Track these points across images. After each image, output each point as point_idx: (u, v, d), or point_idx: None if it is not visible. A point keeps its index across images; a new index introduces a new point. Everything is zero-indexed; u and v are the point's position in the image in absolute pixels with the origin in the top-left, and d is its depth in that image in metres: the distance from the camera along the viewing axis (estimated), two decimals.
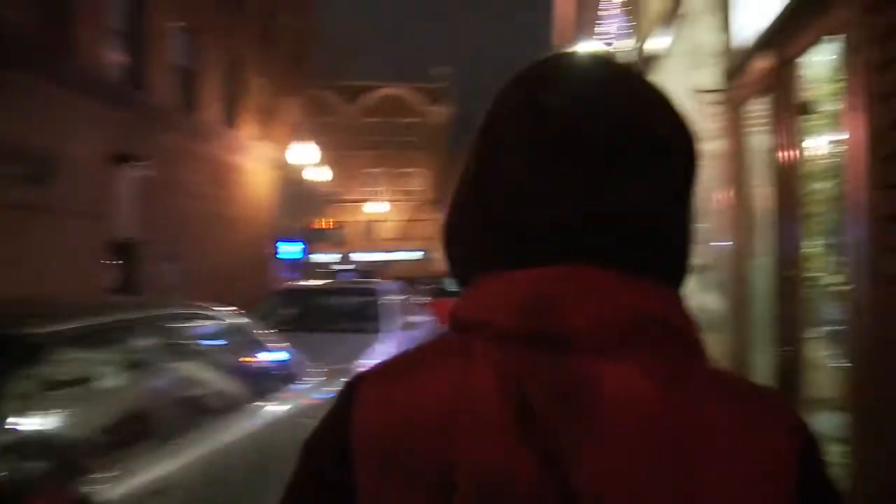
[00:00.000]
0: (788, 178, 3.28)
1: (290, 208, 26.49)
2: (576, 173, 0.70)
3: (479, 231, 0.75)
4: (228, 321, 4.32)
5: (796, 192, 3.20)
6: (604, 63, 0.77)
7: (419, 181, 57.92)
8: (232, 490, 3.50)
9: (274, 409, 4.18)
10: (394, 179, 57.56)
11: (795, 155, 3.26)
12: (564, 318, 0.66)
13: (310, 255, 34.85)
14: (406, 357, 0.77)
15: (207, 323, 4.18)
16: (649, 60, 8.01)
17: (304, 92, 28.92)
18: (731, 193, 4.40)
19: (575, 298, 0.67)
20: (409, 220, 57.18)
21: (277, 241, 27.74)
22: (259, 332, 4.90)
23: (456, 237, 0.80)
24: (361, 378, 0.76)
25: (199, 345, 4.05)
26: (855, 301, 2.69)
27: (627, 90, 0.74)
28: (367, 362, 7.42)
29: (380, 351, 8.10)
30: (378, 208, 53.70)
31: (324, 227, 34.25)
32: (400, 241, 56.18)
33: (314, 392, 4.81)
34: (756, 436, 0.67)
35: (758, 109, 4.14)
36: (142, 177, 14.17)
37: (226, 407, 3.79)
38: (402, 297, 10.22)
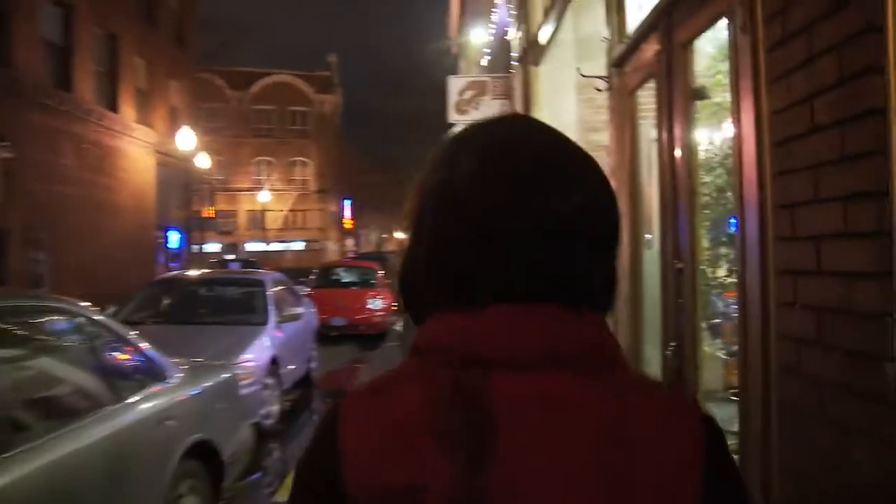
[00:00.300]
0: (679, 168, 3.20)
1: (172, 196, 25.43)
2: (512, 245, 0.82)
3: (430, 284, 0.88)
4: (85, 316, 3.92)
5: (688, 181, 3.11)
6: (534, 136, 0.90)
7: (308, 171, 56.99)
8: (82, 501, 3.16)
9: (135, 409, 3.83)
10: (283, 169, 56.47)
11: (687, 143, 3.17)
12: (488, 346, 0.80)
13: (194, 245, 33.69)
14: (381, 378, 0.87)
15: (59, 318, 3.77)
16: (539, 49, 7.95)
17: (189, 76, 27.78)
18: (623, 185, 4.32)
19: (497, 332, 0.81)
20: (298, 210, 56.22)
21: (165, 230, 26.68)
22: (123, 327, 4.50)
23: (410, 287, 0.92)
24: (345, 399, 0.86)
25: (48, 341, 3.64)
26: (744, 293, 2.61)
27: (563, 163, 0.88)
28: (248, 356, 7.05)
29: (263, 343, 7.72)
30: (267, 198, 52.44)
31: (209, 215, 33.04)
32: (288, 231, 55.15)
33: (183, 390, 4.46)
34: (673, 424, 0.81)
35: (648, 97, 4.06)
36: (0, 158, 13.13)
37: (77, 410, 3.43)
38: (285, 288, 9.84)
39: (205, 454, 4.28)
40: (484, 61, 13.14)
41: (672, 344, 2.89)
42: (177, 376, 4.52)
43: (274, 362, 7.80)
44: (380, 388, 0.85)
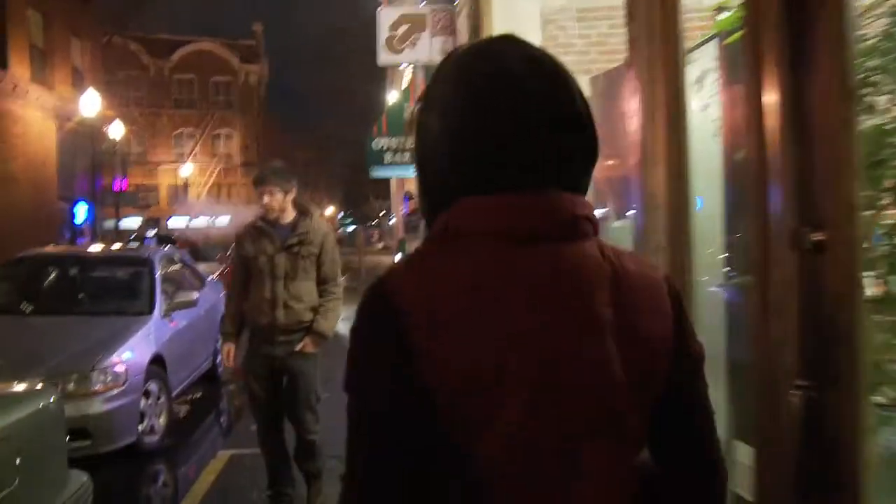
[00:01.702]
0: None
1: (79, 166, 23.18)
2: (538, 135, 1.03)
3: (468, 168, 1.04)
4: None
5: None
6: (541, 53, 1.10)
7: (233, 144, 54.44)
8: None
9: None
10: (205, 141, 53.75)
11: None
12: (531, 220, 1.01)
13: (109, 221, 31.28)
14: (416, 256, 1.06)
15: None
16: None
17: (95, 36, 25.36)
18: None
19: (536, 208, 1.02)
20: (222, 184, 53.65)
21: (71, 204, 24.42)
22: None
23: (437, 171, 1.08)
24: (386, 279, 1.02)
25: None
26: None
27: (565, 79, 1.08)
28: (117, 357, 5.47)
29: (144, 338, 6.11)
30: (188, 171, 49.75)
31: (122, 188, 30.62)
32: (210, 206, 52.55)
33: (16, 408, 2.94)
34: (654, 281, 1.08)
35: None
36: None
37: None
38: (180, 267, 8.16)
39: None
40: None
41: (802, 384, 1.51)
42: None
43: (158, 362, 6.18)
44: (415, 264, 1.04)
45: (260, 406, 4.34)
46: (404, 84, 17.59)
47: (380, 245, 53.00)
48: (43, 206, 20.59)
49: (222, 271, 11.79)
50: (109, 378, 5.35)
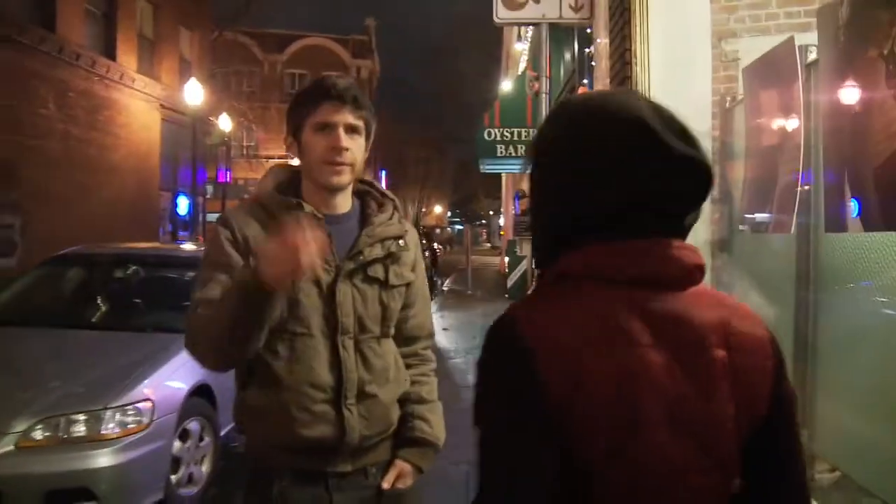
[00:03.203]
0: None
1: (183, 158, 22.82)
2: (673, 187, 1.10)
3: (600, 213, 1.10)
4: None
5: None
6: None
7: None
8: None
9: None
10: None
11: None
12: (656, 268, 1.09)
13: (213, 214, 31.19)
14: (540, 295, 1.14)
15: None
16: None
17: (204, 26, 25.04)
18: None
19: (660, 256, 1.09)
20: None
21: (173, 196, 24.18)
22: None
23: (559, 214, 1.14)
24: (514, 315, 1.08)
25: None
26: None
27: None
28: (147, 389, 4.29)
29: (180, 365, 4.90)
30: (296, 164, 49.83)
31: (227, 180, 30.41)
32: None
33: None
34: (758, 328, 1.14)
35: None
36: None
37: None
38: None
39: None
40: None
41: None
42: None
43: (202, 393, 4.95)
44: (540, 303, 1.12)
45: None
46: (521, 68, 16.23)
47: (487, 245, 51.74)
48: (145, 197, 20.24)
49: None
50: (130, 418, 4.13)
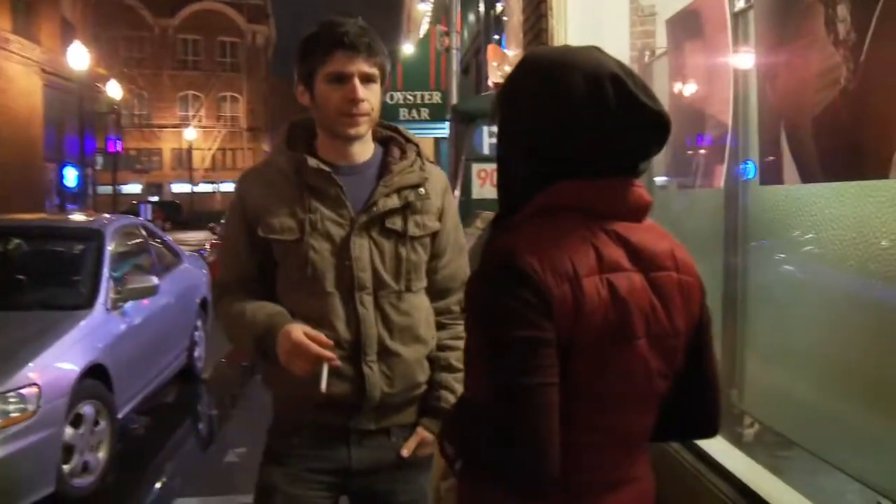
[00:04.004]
0: None
1: (70, 127, 21.55)
2: (636, 134, 1.23)
3: (569, 156, 1.24)
4: None
5: None
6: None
7: (238, 107, 52.70)
8: None
9: None
10: (210, 104, 52.01)
11: None
12: (626, 203, 1.26)
13: (104, 186, 29.73)
14: (522, 230, 1.24)
15: None
16: None
17: None
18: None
19: (626, 194, 1.26)
20: (227, 149, 51.96)
21: (60, 166, 22.86)
22: None
23: (530, 160, 1.26)
24: (504, 241, 1.22)
25: None
26: None
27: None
28: (31, 374, 3.91)
29: (76, 343, 4.51)
30: (193, 135, 48.04)
31: (118, 150, 29.00)
32: (217, 172, 50.82)
33: None
34: (690, 257, 1.34)
35: None
36: None
37: None
38: (141, 241, 6.46)
39: None
40: None
41: None
42: None
43: (97, 374, 4.56)
44: (531, 234, 1.22)
45: None
46: (423, 30, 15.93)
47: None
48: (28, 167, 19.06)
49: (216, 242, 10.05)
50: (12, 406, 3.74)
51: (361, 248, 1.91)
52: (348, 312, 1.90)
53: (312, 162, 1.91)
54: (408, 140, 2.08)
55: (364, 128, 1.94)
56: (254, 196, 1.94)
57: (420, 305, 2.02)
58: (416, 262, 1.98)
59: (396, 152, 2.04)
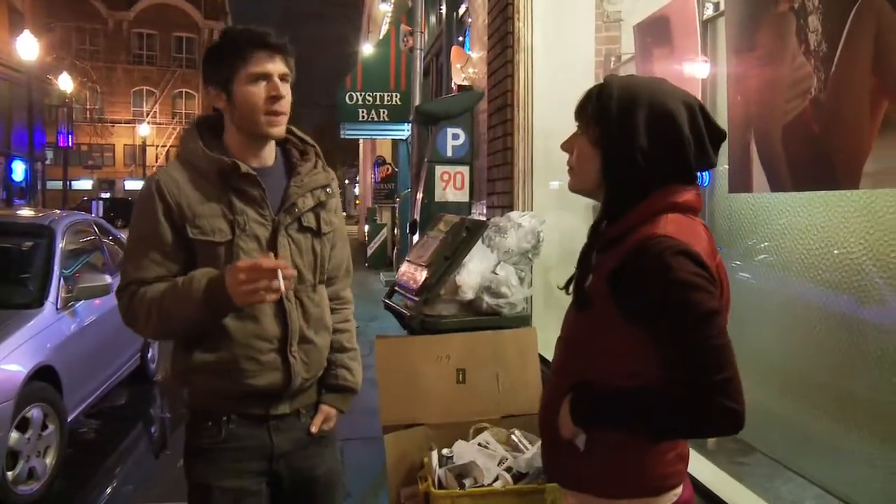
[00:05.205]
0: None
1: (14, 118, 20.99)
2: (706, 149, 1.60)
3: (680, 166, 1.59)
4: None
5: None
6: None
7: (194, 104, 51.88)
8: None
9: None
10: (165, 100, 51.13)
11: None
12: (702, 204, 1.64)
13: (54, 181, 28.99)
14: (666, 226, 1.52)
15: None
16: None
17: None
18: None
19: (700, 197, 1.64)
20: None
21: (8, 160, 22.28)
22: None
23: (641, 168, 1.57)
24: (670, 235, 1.50)
25: None
26: None
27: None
28: None
29: (22, 345, 4.36)
30: (147, 131, 47.16)
31: (69, 145, 28.30)
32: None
33: None
34: None
35: None
36: None
37: None
38: (94, 238, 6.30)
39: None
40: None
41: None
42: None
43: (46, 376, 4.41)
44: (677, 228, 1.52)
45: None
46: (383, 31, 15.83)
47: (343, 214, 51.36)
48: None
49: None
50: None
51: (284, 247, 2.01)
52: (276, 308, 1.99)
53: (244, 167, 1.96)
54: (304, 141, 2.18)
55: (283, 128, 2.02)
56: (177, 196, 1.94)
57: (324, 296, 2.18)
58: (325, 256, 2.14)
59: (296, 153, 2.15)
